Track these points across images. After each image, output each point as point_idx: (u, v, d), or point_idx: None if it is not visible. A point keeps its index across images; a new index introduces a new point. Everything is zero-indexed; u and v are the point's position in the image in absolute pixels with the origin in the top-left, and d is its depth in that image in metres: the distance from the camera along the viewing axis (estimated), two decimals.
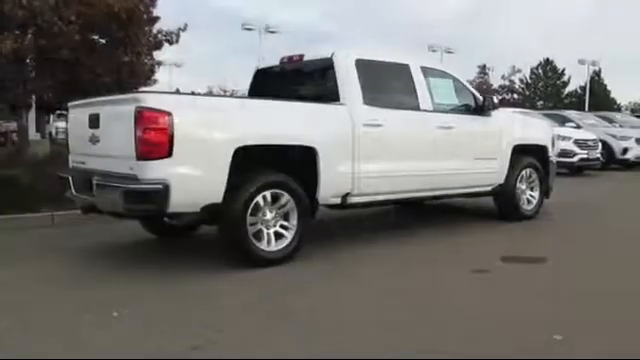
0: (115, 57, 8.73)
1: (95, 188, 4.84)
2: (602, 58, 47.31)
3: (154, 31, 9.18)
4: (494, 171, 6.86)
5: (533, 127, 7.77)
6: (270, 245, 4.98)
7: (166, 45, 9.59)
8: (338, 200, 5.52)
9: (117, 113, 4.69)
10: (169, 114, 4.37)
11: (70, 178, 5.27)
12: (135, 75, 8.92)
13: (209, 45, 59.44)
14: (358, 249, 5.64)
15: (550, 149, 7.65)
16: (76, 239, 6.26)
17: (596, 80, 50.45)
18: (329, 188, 5.32)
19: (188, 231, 6.15)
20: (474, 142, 6.67)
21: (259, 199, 4.88)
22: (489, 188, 6.94)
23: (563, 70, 51.94)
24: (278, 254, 5.00)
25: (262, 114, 4.96)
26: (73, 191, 5.24)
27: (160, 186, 4.35)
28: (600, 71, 50.89)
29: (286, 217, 5.10)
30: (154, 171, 4.37)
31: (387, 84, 6.10)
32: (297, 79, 6.32)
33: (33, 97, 9.16)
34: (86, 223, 7.07)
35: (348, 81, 5.59)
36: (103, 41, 8.96)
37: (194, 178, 4.52)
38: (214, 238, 5.20)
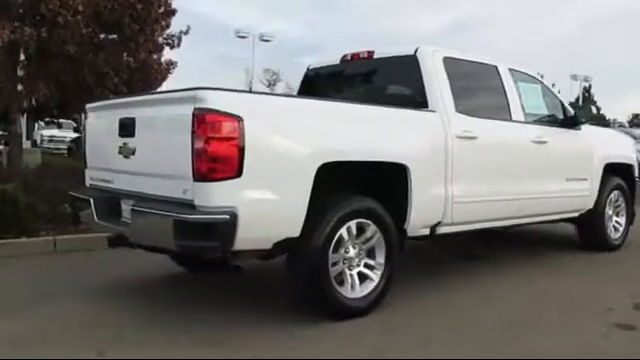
0: (126, 55, 7.54)
1: (129, 215, 3.69)
2: (593, 74, 47.25)
3: (171, 26, 8.01)
4: (585, 194, 5.82)
5: (621, 143, 6.75)
6: (354, 290, 3.86)
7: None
8: (427, 231, 4.42)
9: (164, 117, 3.56)
10: (240, 119, 3.25)
11: (91, 201, 4.09)
12: (148, 76, 7.74)
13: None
14: (447, 289, 4.55)
15: (636, 168, 6.66)
16: (88, 273, 5.07)
17: (586, 96, 50.25)
18: (420, 216, 4.22)
19: (224, 264, 4.98)
20: (566, 160, 5.63)
21: (343, 231, 3.77)
22: (576, 214, 5.90)
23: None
24: (363, 302, 3.88)
25: (349, 122, 3.84)
26: (95, 217, 4.06)
27: (226, 217, 3.21)
28: (590, 87, 50.75)
29: (371, 254, 3.99)
30: (218, 196, 3.24)
31: (476, 88, 5.05)
32: (363, 81, 5.23)
33: (30, 100, 7.90)
34: (93, 249, 5.94)
35: (437, 83, 4.52)
36: (112, 37, 7.79)
37: (268, 205, 3.39)
38: (259, 274, 4.08)
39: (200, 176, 3.25)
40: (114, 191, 4.07)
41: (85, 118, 4.66)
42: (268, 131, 3.40)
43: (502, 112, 5.06)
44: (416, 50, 4.62)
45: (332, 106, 3.96)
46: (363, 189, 4.04)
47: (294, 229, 3.52)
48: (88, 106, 4.54)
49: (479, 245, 6.24)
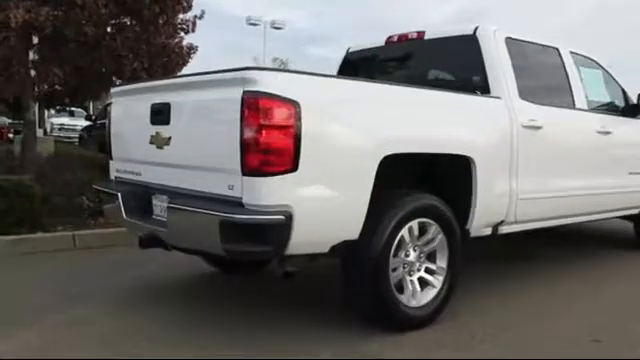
0: (146, 38, 7.08)
1: (164, 213, 3.27)
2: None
3: (192, 7, 7.53)
4: None
5: None
6: (414, 298, 3.43)
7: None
8: (489, 231, 3.98)
9: (206, 102, 3.11)
10: (296, 105, 2.81)
11: (119, 195, 3.66)
12: (168, 61, 7.28)
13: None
14: (510, 293, 4.11)
15: None
16: (112, 272, 4.66)
17: None
18: (484, 214, 3.78)
19: (261, 265, 4.54)
20: (629, 152, 5.16)
21: (404, 232, 3.34)
22: (637, 210, 5.45)
23: None
24: (424, 311, 3.45)
25: (414, 108, 3.39)
26: (124, 214, 3.64)
27: (281, 217, 2.78)
28: None
29: (431, 257, 3.55)
30: (271, 193, 2.80)
31: (538, 73, 4.57)
32: (412, 63, 4.76)
33: (44, 86, 7.45)
34: (115, 245, 5.54)
35: (500, 66, 4.05)
36: (127, 21, 7.33)
37: (326, 203, 2.96)
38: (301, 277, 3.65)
39: (250, 170, 2.81)
40: (144, 185, 3.65)
41: (107, 105, 4.23)
42: (327, 118, 2.95)
43: (565, 99, 4.60)
44: (475, 29, 4.16)
45: (397, 91, 3.49)
46: (420, 185, 3.62)
47: (353, 230, 3.09)
48: (113, 90, 4.11)
49: (533, 244, 5.78)
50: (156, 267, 4.70)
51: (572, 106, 4.61)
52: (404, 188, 3.49)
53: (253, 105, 2.78)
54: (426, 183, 3.69)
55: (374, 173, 3.09)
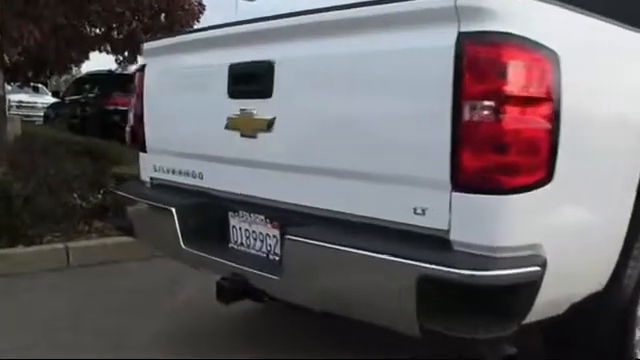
0: None
1: (273, 247, 1.96)
2: None
3: None
4: None
5: None
6: None
7: None
8: None
9: (360, 56, 1.74)
10: (556, 62, 1.52)
11: (173, 212, 2.29)
12: (174, 20, 5.79)
13: None
14: None
15: None
16: (130, 306, 3.29)
17: None
18: None
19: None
20: None
21: None
22: None
23: None
24: None
25: None
26: (181, 241, 2.27)
27: (535, 269, 1.50)
28: None
29: None
30: (514, 225, 1.51)
31: None
32: None
33: (16, 51, 5.83)
34: (120, 260, 4.21)
35: None
36: None
37: (585, 234, 1.70)
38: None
39: (473, 182, 1.51)
40: (212, 194, 2.31)
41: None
42: (594, 88, 1.67)
43: None
44: None
45: None
46: None
47: (605, 274, 1.84)
48: (148, 46, 2.70)
49: None
50: (189, 294, 3.36)
51: None
52: None
53: (485, 60, 1.47)
54: None
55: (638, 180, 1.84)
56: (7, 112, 14.64)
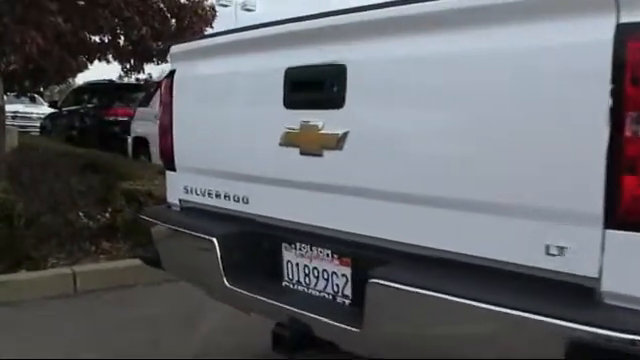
0: None
1: (353, 290, 1.61)
2: None
3: None
4: None
5: None
6: None
7: None
8: None
9: (470, 56, 1.40)
10: None
11: (215, 243, 1.93)
12: (185, 25, 5.45)
13: None
14: None
15: None
16: (150, 343, 2.93)
17: None
18: None
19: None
20: None
21: None
22: None
23: None
24: None
25: None
26: (225, 279, 1.91)
27: None
28: None
29: None
30: None
31: None
32: None
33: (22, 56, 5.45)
34: (132, 284, 3.88)
35: None
36: None
37: None
38: None
39: (634, 216, 1.17)
40: (261, 222, 1.95)
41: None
42: None
43: None
44: None
45: None
46: None
47: None
48: (177, 49, 2.35)
49: None
50: (216, 328, 3.00)
51: None
52: None
53: None
54: None
55: None
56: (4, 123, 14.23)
